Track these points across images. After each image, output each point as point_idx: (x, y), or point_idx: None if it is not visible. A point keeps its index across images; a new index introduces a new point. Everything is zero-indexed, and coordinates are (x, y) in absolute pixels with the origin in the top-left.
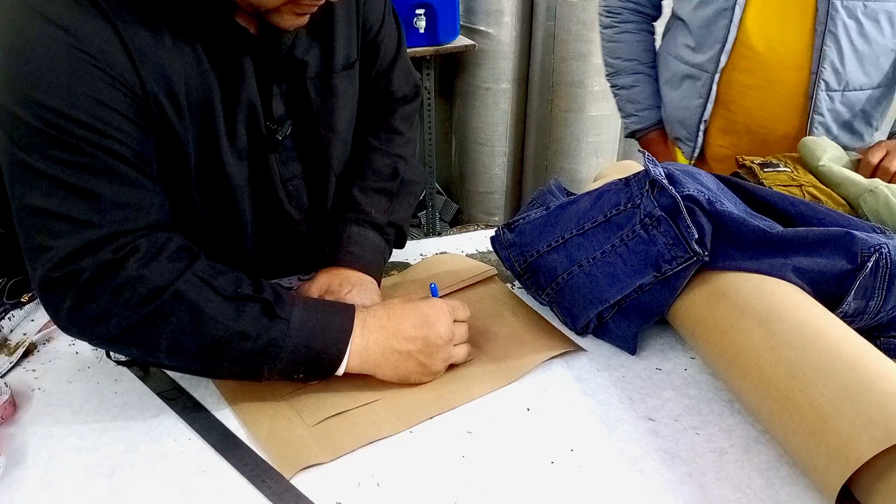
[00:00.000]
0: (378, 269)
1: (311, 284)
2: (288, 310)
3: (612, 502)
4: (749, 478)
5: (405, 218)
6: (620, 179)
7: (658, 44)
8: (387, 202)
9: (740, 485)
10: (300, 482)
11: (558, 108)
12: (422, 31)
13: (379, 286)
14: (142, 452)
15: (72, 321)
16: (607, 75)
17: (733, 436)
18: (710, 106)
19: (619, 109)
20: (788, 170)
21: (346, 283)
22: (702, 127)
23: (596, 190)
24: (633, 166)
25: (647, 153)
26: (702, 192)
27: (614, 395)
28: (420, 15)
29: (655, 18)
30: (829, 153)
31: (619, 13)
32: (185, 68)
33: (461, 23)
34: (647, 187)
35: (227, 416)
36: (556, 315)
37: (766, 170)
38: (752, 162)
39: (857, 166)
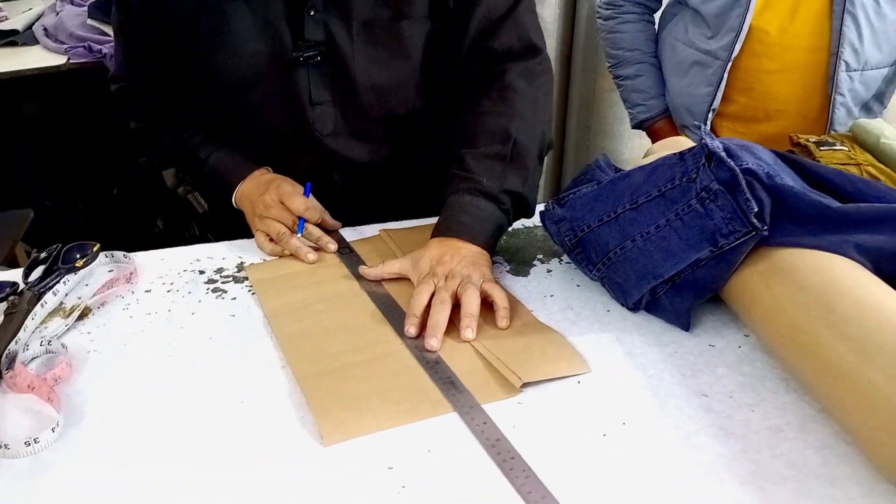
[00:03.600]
0: (490, 239)
1: (424, 252)
2: (205, 154)
3: (665, 476)
4: (805, 455)
5: (522, 184)
6: (675, 154)
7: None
8: (500, 168)
9: (796, 462)
10: (350, 448)
11: (602, 88)
12: None
13: (492, 256)
14: (194, 415)
15: None
16: (610, 67)
17: (788, 413)
18: (720, 93)
19: (625, 101)
20: (846, 148)
21: (456, 256)
22: (710, 115)
23: (649, 164)
24: (685, 143)
25: (703, 126)
26: (760, 165)
27: (666, 371)
28: None
29: (655, 10)
30: (887, 132)
31: (620, 5)
32: None
33: None
34: (703, 161)
35: (282, 382)
36: (608, 290)
37: (822, 148)
38: (808, 140)
39: None
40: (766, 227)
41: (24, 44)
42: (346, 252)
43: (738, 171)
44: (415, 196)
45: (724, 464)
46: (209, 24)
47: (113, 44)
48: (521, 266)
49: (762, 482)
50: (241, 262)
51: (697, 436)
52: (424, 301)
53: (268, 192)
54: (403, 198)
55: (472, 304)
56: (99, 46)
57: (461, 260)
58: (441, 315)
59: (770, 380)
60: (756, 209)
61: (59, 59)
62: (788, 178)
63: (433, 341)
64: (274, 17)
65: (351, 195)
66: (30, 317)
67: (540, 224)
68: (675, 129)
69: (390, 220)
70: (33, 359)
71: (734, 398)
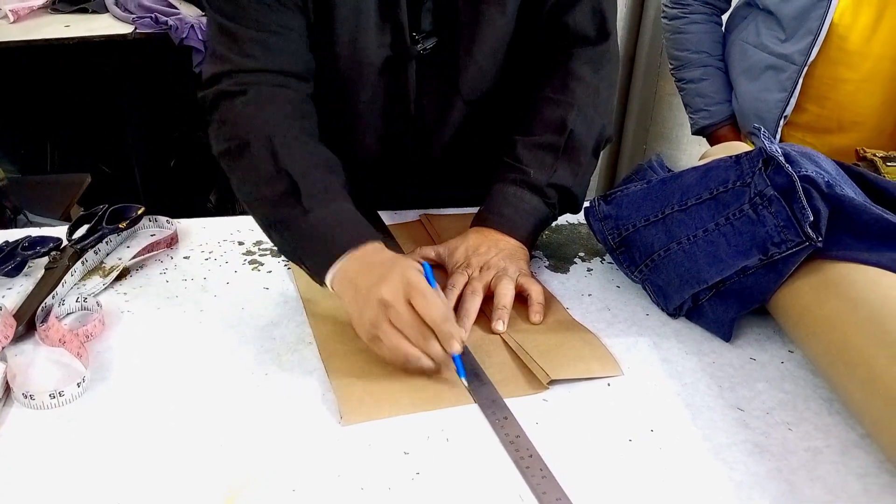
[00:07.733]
0: (530, 233)
1: (461, 241)
2: (309, 204)
3: (691, 488)
4: (845, 481)
5: (572, 178)
6: (731, 156)
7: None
8: (551, 160)
9: (834, 487)
10: (368, 430)
11: (664, 91)
12: None
13: (531, 250)
14: (218, 383)
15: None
16: (672, 69)
17: (830, 436)
18: (793, 100)
19: (687, 105)
20: None
21: (494, 248)
22: (782, 122)
23: (703, 165)
24: (743, 148)
25: (763, 129)
26: (820, 174)
27: (702, 381)
28: None
29: (724, 11)
30: None
31: (687, 4)
32: None
33: None
34: (760, 165)
35: (309, 358)
36: (648, 294)
37: (889, 164)
38: (875, 155)
39: None
40: (820, 239)
41: (94, 11)
42: (384, 236)
43: (795, 177)
44: (471, 182)
45: (756, 482)
46: (342, 14)
47: (178, 16)
48: (561, 262)
49: None
50: None
51: (729, 450)
52: (456, 293)
53: (387, 283)
54: (459, 185)
55: (505, 295)
56: (165, 18)
57: (498, 252)
58: (471, 305)
59: (813, 399)
60: (811, 219)
61: (126, 28)
62: (850, 190)
63: (461, 331)
64: (396, 7)
65: (413, 182)
66: (69, 273)
67: (584, 221)
68: (739, 137)
69: (442, 207)
70: (68, 314)
71: (772, 415)
